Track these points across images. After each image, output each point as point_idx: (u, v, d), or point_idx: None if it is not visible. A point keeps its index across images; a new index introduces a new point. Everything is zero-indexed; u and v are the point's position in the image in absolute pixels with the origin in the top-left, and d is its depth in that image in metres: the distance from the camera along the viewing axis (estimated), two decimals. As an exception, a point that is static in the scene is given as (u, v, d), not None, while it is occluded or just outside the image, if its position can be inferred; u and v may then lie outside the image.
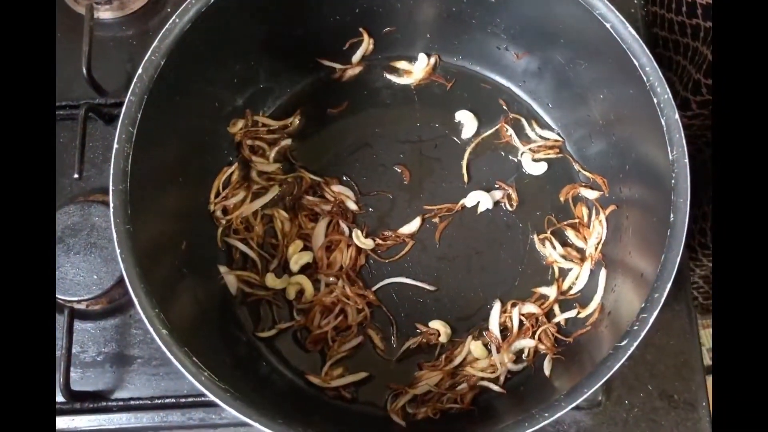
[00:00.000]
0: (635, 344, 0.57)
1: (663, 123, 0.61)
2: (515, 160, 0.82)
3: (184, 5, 0.64)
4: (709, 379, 1.60)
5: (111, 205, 0.59)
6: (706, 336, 1.77)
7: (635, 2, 0.90)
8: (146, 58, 0.62)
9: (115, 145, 0.60)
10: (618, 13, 0.63)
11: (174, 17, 0.63)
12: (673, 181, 0.60)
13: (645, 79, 0.62)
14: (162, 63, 0.63)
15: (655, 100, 0.61)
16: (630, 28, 0.63)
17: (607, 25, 0.63)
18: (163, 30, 0.63)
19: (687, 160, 0.60)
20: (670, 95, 0.61)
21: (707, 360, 1.74)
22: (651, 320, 0.58)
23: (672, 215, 0.59)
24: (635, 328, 0.58)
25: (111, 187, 0.59)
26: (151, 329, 0.57)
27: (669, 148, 0.60)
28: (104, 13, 0.89)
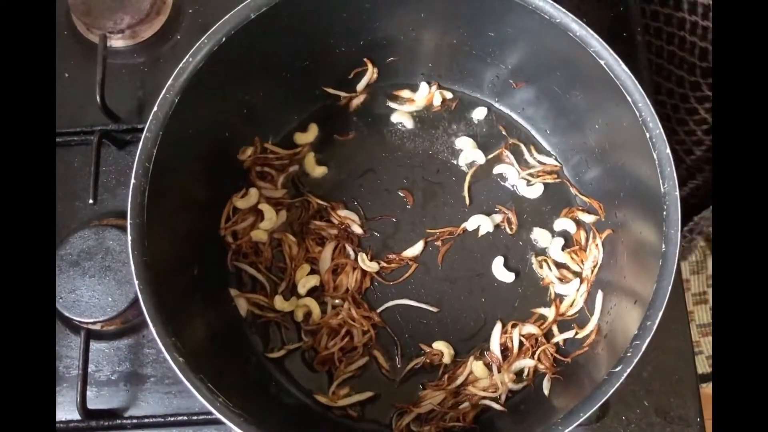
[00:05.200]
0: (629, 370, 0.60)
1: (655, 157, 0.63)
2: (513, 184, 0.85)
3: (197, 45, 0.66)
4: (707, 387, 1.63)
5: (129, 237, 0.61)
6: (705, 344, 1.79)
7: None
8: (161, 96, 0.65)
9: (132, 181, 0.63)
10: (611, 51, 0.66)
11: (187, 56, 0.66)
12: (664, 212, 0.62)
13: (637, 114, 0.64)
14: (176, 101, 0.65)
15: (647, 135, 0.64)
16: (623, 65, 0.65)
17: (601, 62, 0.66)
18: (177, 69, 0.66)
19: (678, 193, 0.62)
20: (662, 130, 0.63)
21: (706, 368, 1.76)
22: (644, 347, 0.60)
23: (664, 245, 0.62)
24: (629, 354, 0.60)
25: (129, 221, 0.62)
26: (168, 357, 0.60)
27: (661, 181, 0.63)
28: (116, 42, 0.92)
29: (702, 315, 1.76)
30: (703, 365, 1.76)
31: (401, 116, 0.87)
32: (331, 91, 0.86)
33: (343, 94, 0.86)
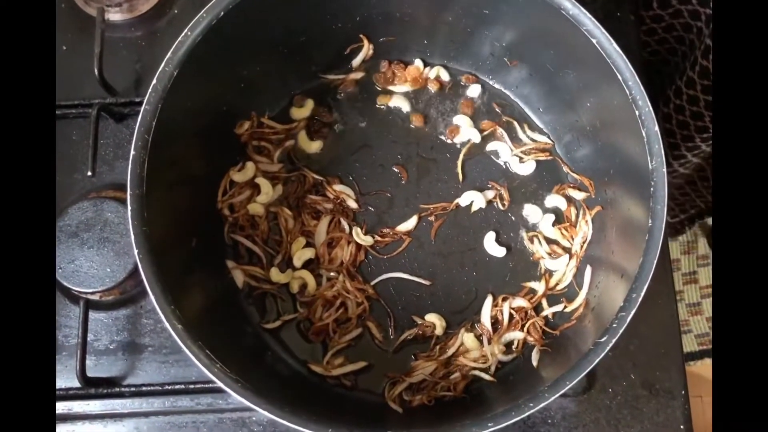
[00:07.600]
0: (614, 341, 0.62)
1: (644, 134, 0.65)
2: (505, 161, 0.86)
3: (196, 19, 0.67)
4: (694, 365, 1.65)
5: (129, 208, 0.63)
6: (694, 323, 1.82)
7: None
8: (160, 69, 0.66)
9: (132, 152, 0.64)
10: (603, 30, 0.67)
11: (186, 30, 0.67)
12: (652, 189, 0.64)
13: (628, 92, 0.66)
14: (175, 74, 0.66)
15: (637, 113, 0.65)
16: (614, 44, 0.66)
17: (593, 41, 0.67)
18: (176, 42, 0.66)
19: (665, 170, 0.64)
20: (651, 109, 0.64)
21: (694, 346, 1.79)
22: (629, 318, 0.62)
23: (650, 221, 0.64)
24: (614, 325, 0.62)
25: (129, 192, 0.63)
26: (167, 325, 0.61)
27: (649, 158, 0.64)
28: (114, 15, 0.92)
29: (691, 294, 1.79)
30: (692, 343, 1.79)
31: (397, 93, 0.88)
32: (328, 77, 0.87)
33: (338, 77, 0.87)
